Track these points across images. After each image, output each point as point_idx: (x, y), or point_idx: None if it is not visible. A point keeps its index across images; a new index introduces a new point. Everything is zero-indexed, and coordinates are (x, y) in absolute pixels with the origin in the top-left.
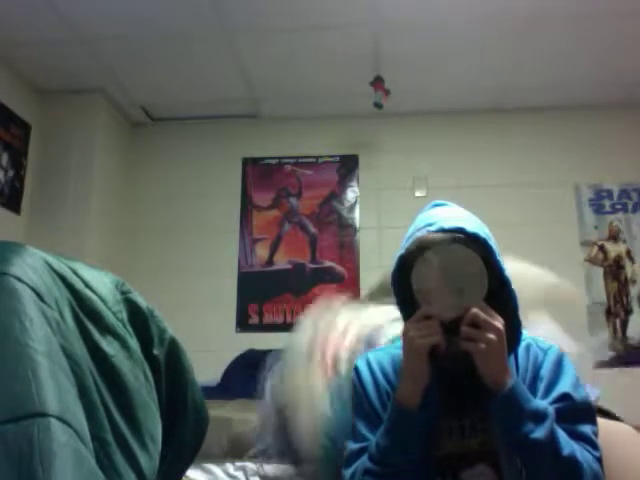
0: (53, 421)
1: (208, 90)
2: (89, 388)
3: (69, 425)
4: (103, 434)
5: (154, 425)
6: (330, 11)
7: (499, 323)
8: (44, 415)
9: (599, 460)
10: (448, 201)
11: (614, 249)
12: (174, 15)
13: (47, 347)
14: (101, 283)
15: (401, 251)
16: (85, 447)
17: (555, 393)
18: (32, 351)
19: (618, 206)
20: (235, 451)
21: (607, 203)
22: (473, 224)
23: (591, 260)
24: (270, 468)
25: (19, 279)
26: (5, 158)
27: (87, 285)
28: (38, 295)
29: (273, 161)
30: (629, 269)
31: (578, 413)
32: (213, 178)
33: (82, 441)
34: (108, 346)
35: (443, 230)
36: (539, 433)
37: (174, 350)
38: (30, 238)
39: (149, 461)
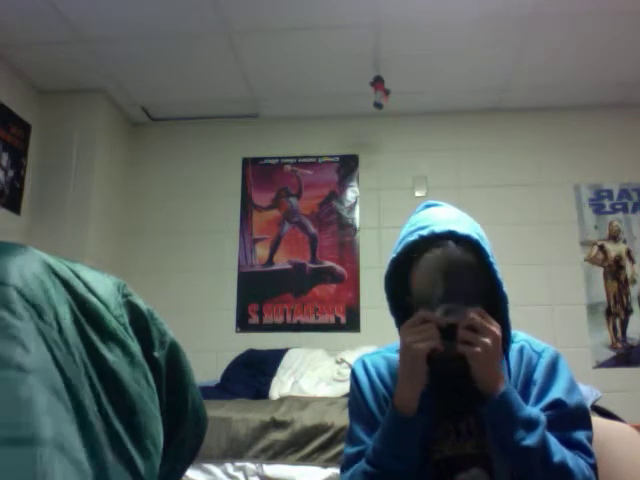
0: (50, 449)
1: (208, 90)
2: (86, 413)
3: (65, 452)
4: (100, 456)
5: (156, 429)
6: (330, 11)
7: (496, 328)
8: (41, 442)
9: (593, 467)
10: (447, 201)
11: (614, 249)
12: (174, 15)
13: (45, 371)
14: (103, 285)
15: (393, 255)
16: (80, 475)
17: (547, 399)
18: (31, 375)
19: (618, 206)
20: (234, 451)
21: (607, 203)
22: (465, 226)
23: (591, 260)
24: (270, 468)
25: (20, 292)
26: (5, 158)
27: (89, 288)
28: (38, 312)
29: (273, 161)
30: (629, 269)
31: (571, 419)
32: (213, 178)
33: (78, 469)
34: (109, 352)
35: (435, 234)
36: (530, 440)
37: (175, 353)
38: (30, 238)
39: (150, 467)
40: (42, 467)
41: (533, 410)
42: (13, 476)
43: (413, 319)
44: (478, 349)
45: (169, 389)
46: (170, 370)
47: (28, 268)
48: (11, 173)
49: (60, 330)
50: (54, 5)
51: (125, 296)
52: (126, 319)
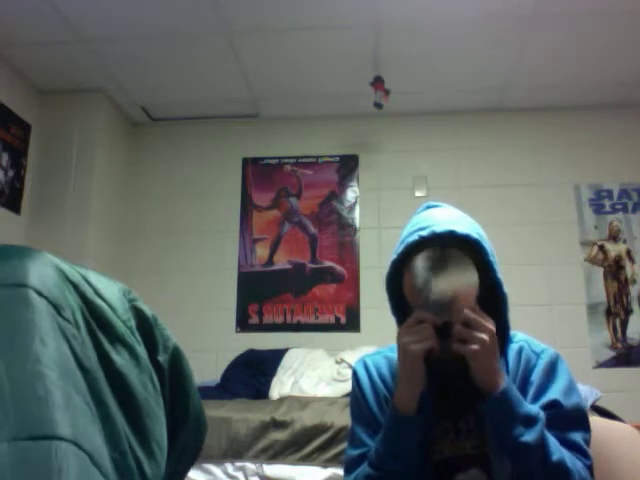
0: (67, 444)
1: (208, 90)
2: (106, 404)
3: (83, 449)
4: (122, 446)
5: (161, 433)
6: (330, 11)
7: (490, 324)
8: (60, 438)
9: (589, 468)
10: (447, 201)
11: (614, 249)
12: (174, 15)
13: (63, 366)
14: (110, 291)
15: (394, 256)
16: (98, 471)
17: (544, 399)
18: (49, 370)
19: (618, 206)
20: (234, 451)
21: (607, 203)
22: (465, 226)
23: (591, 260)
24: (270, 468)
25: (39, 292)
26: (5, 158)
27: (97, 293)
28: (57, 309)
29: (273, 161)
30: (629, 269)
31: (567, 420)
32: (213, 178)
33: (95, 465)
34: (117, 355)
35: (435, 234)
36: (529, 437)
37: (177, 358)
38: (30, 238)
39: (156, 469)
40: (57, 463)
41: (533, 407)
42: (28, 472)
43: (409, 320)
44: (475, 346)
45: (172, 393)
46: (173, 374)
47: (45, 271)
48: (11, 173)
49: (77, 328)
50: (54, 5)
51: (131, 301)
52: (133, 323)
